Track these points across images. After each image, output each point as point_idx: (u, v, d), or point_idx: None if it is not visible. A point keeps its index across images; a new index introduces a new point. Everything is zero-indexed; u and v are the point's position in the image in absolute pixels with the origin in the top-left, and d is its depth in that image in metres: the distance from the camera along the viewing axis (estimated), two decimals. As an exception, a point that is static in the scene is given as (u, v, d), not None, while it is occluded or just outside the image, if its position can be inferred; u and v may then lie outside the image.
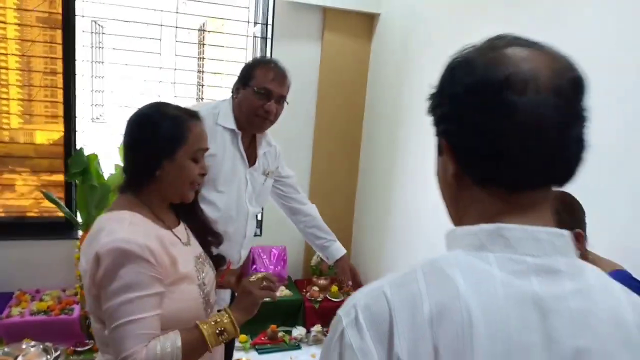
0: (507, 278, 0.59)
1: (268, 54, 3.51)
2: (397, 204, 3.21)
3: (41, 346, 2.75)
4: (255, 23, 3.59)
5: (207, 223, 1.43)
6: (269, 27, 3.50)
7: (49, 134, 3.39)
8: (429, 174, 2.78)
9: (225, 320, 1.21)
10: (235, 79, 1.96)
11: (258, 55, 3.60)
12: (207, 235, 1.42)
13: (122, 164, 1.33)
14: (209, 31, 3.94)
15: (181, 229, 1.32)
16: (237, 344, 3.18)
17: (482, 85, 0.60)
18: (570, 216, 1.26)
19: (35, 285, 3.18)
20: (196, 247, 1.35)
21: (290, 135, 3.67)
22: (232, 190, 1.92)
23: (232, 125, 1.90)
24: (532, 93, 0.58)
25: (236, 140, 1.92)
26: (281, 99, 1.91)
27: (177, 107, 1.28)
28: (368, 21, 3.60)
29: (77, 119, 3.25)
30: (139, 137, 1.22)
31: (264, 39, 3.58)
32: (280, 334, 3.23)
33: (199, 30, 4.05)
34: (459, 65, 0.65)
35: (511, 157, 0.60)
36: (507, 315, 0.58)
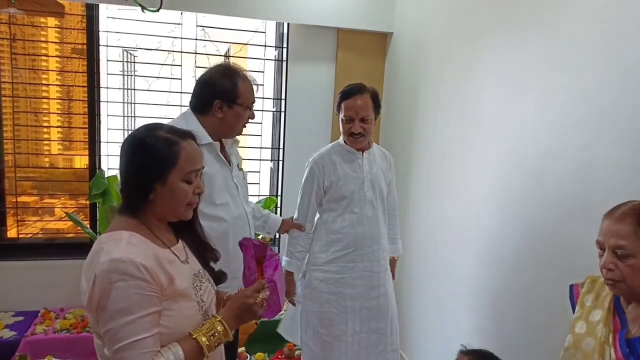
0: None
1: (284, 76, 3.60)
2: (414, 221, 3.18)
3: (62, 363, 2.83)
4: (272, 46, 3.70)
5: (203, 239, 1.42)
6: (284, 50, 3.60)
7: (83, 159, 3.55)
8: (447, 188, 2.78)
9: (220, 329, 1.22)
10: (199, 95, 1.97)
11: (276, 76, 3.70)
12: (204, 251, 1.42)
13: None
14: (230, 56, 4.06)
15: (179, 247, 1.32)
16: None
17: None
18: None
19: (60, 303, 3.29)
20: (195, 265, 1.35)
21: (307, 157, 3.72)
22: (229, 199, 1.97)
23: (208, 139, 1.92)
24: None
25: (215, 151, 1.96)
26: None
27: (170, 129, 1.26)
28: (381, 40, 3.65)
29: (101, 144, 3.39)
30: (132, 161, 1.22)
31: (279, 61, 3.67)
32: (297, 352, 3.21)
33: (224, 56, 4.19)
34: None
35: None
36: None
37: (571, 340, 1.37)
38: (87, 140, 3.40)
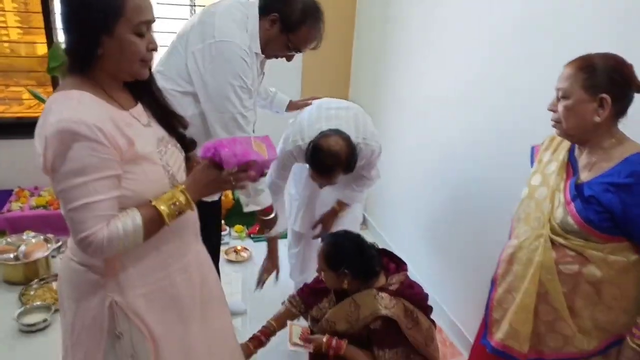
0: None
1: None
2: (385, 122, 3.11)
3: (42, 237, 2.87)
4: None
5: (167, 104, 1.33)
6: None
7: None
8: (417, 95, 2.68)
9: (181, 199, 1.18)
10: None
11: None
12: (169, 117, 1.33)
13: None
14: None
15: (139, 110, 1.24)
16: (232, 233, 3.27)
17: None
18: (605, 78, 1.23)
19: (34, 182, 3.27)
20: (158, 129, 1.28)
21: (278, 67, 3.51)
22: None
23: (258, 50, 1.81)
24: None
25: (259, 60, 1.88)
26: None
27: None
28: None
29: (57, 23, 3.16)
30: (71, 12, 1.09)
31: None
32: (275, 224, 3.29)
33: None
34: None
35: None
36: None
37: (527, 192, 1.44)
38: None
